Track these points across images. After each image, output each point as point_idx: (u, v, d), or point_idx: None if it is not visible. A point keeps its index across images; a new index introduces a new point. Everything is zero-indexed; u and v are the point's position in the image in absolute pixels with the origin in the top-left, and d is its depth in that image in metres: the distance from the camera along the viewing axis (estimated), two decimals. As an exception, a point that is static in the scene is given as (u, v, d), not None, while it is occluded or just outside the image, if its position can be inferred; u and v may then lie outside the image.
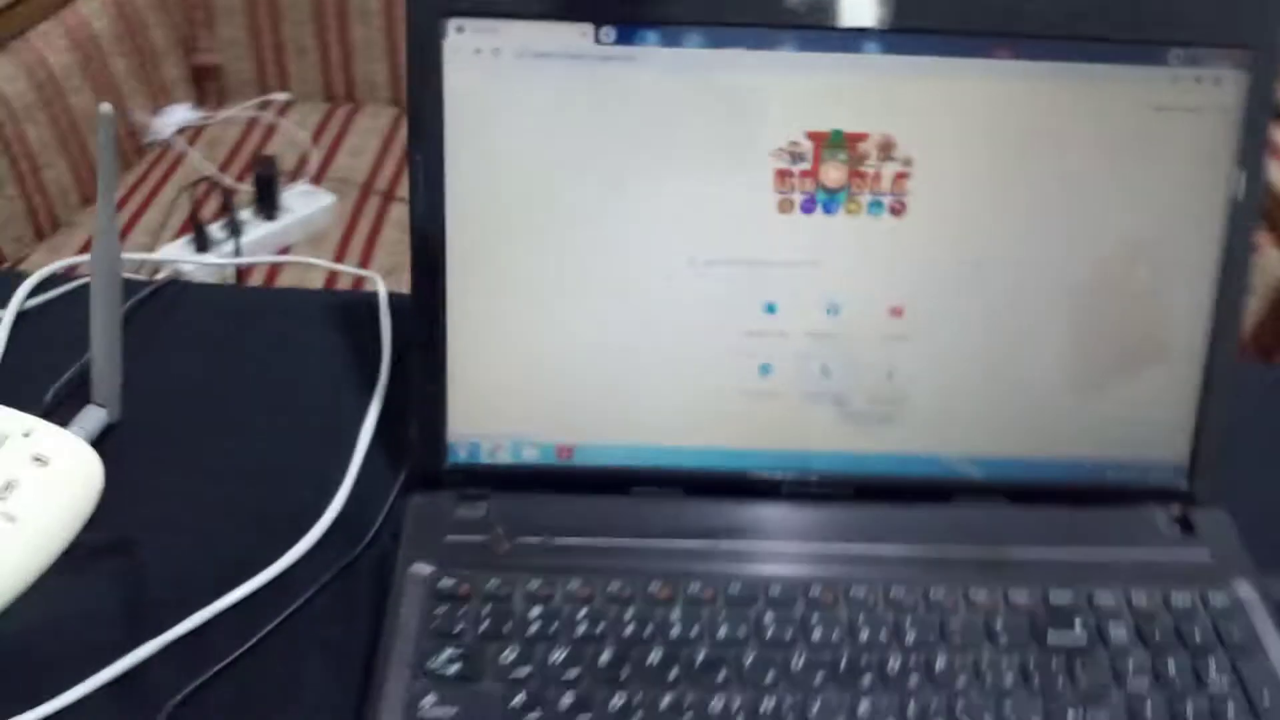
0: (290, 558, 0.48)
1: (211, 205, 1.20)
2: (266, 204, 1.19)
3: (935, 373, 0.51)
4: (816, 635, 0.46)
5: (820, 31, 0.48)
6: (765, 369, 0.51)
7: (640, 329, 0.50)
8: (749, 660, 0.45)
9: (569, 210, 0.49)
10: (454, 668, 0.43)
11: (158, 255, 0.97)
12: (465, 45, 0.47)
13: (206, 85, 1.50)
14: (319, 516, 0.50)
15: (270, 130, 1.42)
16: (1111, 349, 0.52)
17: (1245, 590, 0.48)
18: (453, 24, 0.47)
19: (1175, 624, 0.47)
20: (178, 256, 0.97)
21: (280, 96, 1.48)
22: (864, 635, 0.46)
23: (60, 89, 1.21)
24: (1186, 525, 0.52)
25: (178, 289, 0.63)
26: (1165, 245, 0.50)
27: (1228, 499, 0.52)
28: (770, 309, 0.50)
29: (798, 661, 0.45)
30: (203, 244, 1.11)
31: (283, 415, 0.56)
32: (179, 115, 1.41)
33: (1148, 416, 0.52)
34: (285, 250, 1.19)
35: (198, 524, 0.50)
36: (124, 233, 1.18)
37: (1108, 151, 0.49)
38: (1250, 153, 0.49)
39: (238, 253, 1.04)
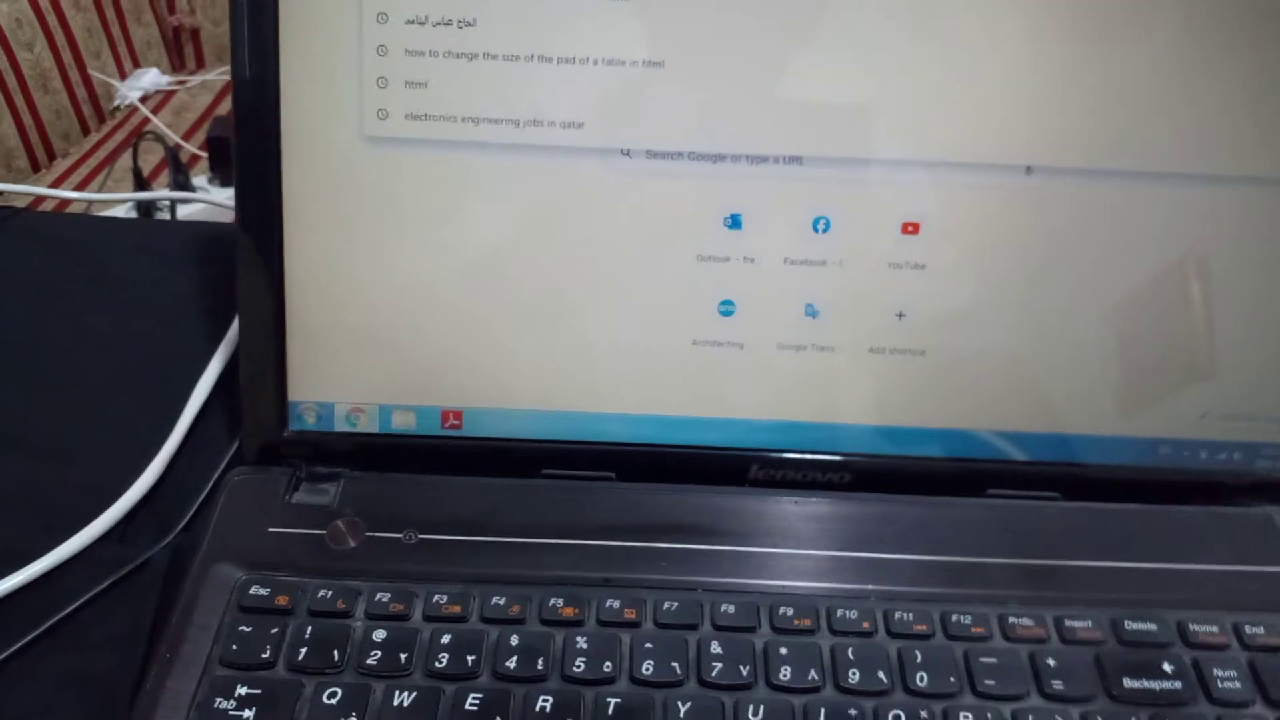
0: (59, 555, 0.35)
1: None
2: (224, 169, 1.07)
3: (962, 313, 0.37)
4: (783, 675, 0.32)
5: None
6: (726, 307, 0.37)
7: (555, 249, 0.36)
8: (684, 710, 0.31)
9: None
10: (248, 713, 0.30)
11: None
12: None
13: (184, 49, 1.39)
14: (117, 498, 0.37)
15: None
16: (1206, 274, 0.37)
17: None
18: None
19: (1310, 670, 0.32)
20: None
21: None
22: (852, 677, 0.32)
23: (6, 42, 1.11)
24: (1317, 531, 0.37)
25: (5, 214, 0.51)
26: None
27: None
28: (733, 222, 0.36)
29: (754, 713, 0.31)
30: (145, 208, 0.99)
31: (101, 371, 0.43)
32: (148, 79, 1.30)
33: (1260, 379, 0.38)
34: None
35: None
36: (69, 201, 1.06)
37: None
38: None
39: (173, 217, 0.91)
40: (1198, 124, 0.35)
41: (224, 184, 1.09)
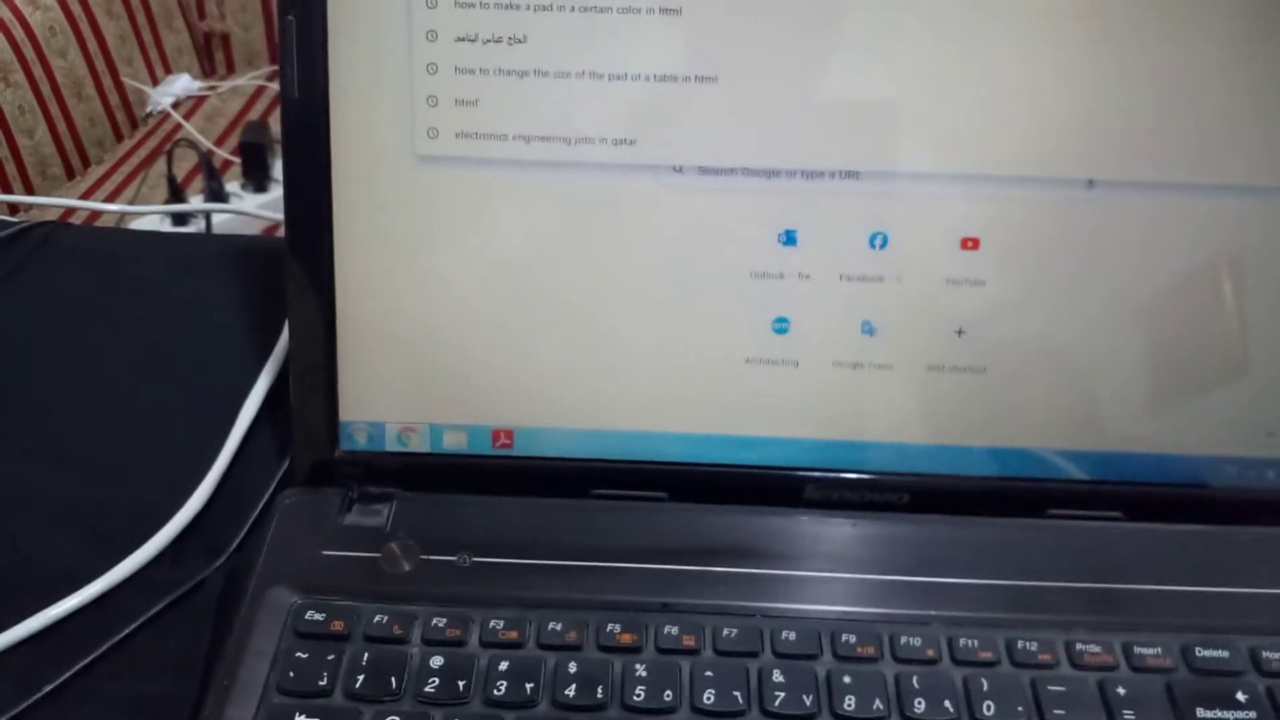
0: (113, 578, 0.35)
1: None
2: (256, 174, 1.07)
3: (1023, 329, 0.36)
4: (848, 705, 0.31)
5: None
6: (780, 324, 0.37)
7: (606, 266, 0.36)
8: (746, 741, 0.30)
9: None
10: (307, 744, 0.30)
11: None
12: None
13: (215, 55, 1.39)
14: (168, 518, 0.37)
15: (276, 102, 1.31)
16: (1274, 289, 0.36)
17: None
18: None
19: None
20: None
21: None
22: (918, 706, 0.31)
23: (40, 50, 1.11)
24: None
25: (48, 230, 0.51)
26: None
27: None
28: (788, 238, 0.36)
29: (818, 745, 0.30)
30: (180, 217, 0.99)
31: (147, 388, 0.43)
32: (180, 84, 1.30)
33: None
34: (277, 229, 1.07)
35: (8, 524, 0.37)
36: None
37: None
38: None
39: (208, 228, 0.91)
40: (1266, 136, 0.34)
41: (257, 190, 1.10)
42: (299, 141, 0.35)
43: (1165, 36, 0.33)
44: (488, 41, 0.34)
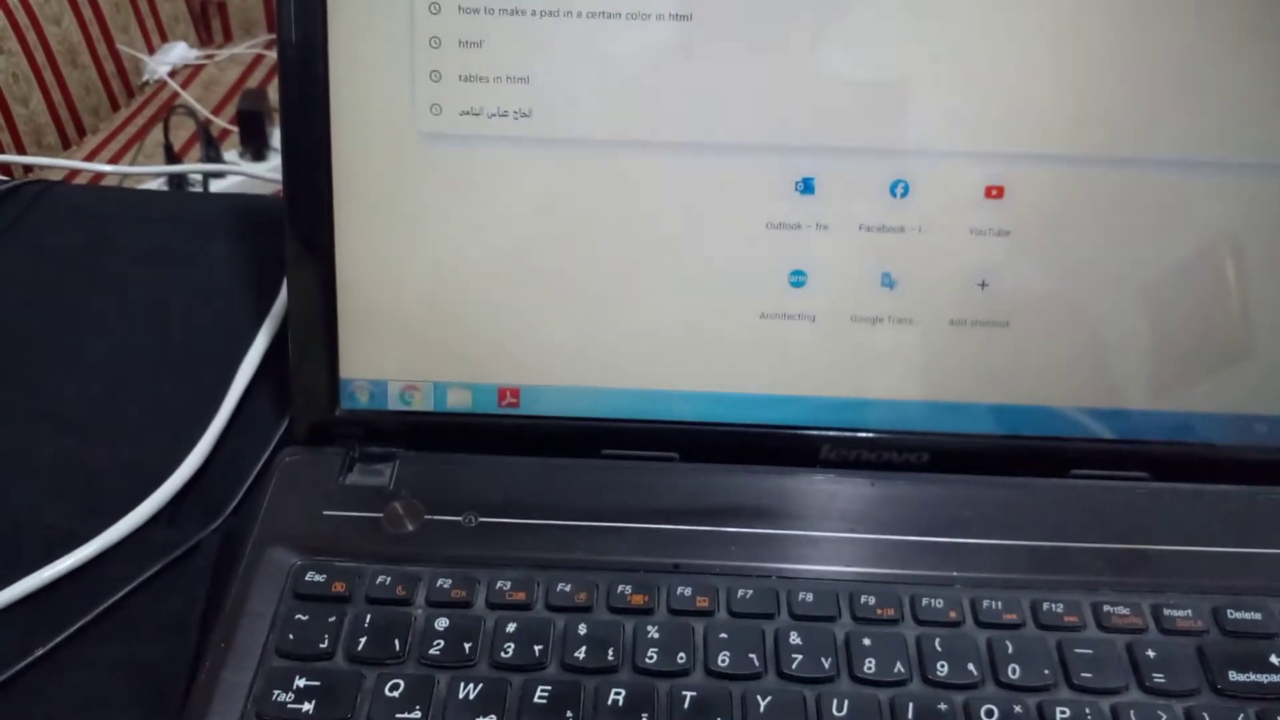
0: (107, 539, 0.34)
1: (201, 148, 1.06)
2: (255, 143, 1.05)
3: (1048, 282, 0.35)
4: (868, 668, 0.30)
5: None
6: (797, 278, 0.35)
7: (616, 223, 0.35)
8: (764, 705, 0.29)
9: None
10: (308, 707, 0.29)
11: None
12: None
13: (212, 23, 1.37)
14: (164, 479, 0.36)
15: (274, 71, 1.29)
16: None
17: None
18: None
19: None
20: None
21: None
22: (941, 669, 0.30)
23: (35, 17, 1.09)
24: None
25: (39, 189, 0.49)
26: None
27: None
28: (805, 187, 0.34)
29: (838, 708, 0.29)
30: (179, 181, 0.97)
31: (141, 346, 0.42)
32: (176, 53, 1.28)
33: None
34: (277, 195, 1.06)
35: (2, 485, 0.36)
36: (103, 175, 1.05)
37: None
38: None
39: (206, 191, 0.90)
40: None
41: (255, 158, 1.08)
42: (299, 109, 0.33)
43: (1186, 15, 0.32)
44: (491, 13, 0.33)
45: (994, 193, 0.34)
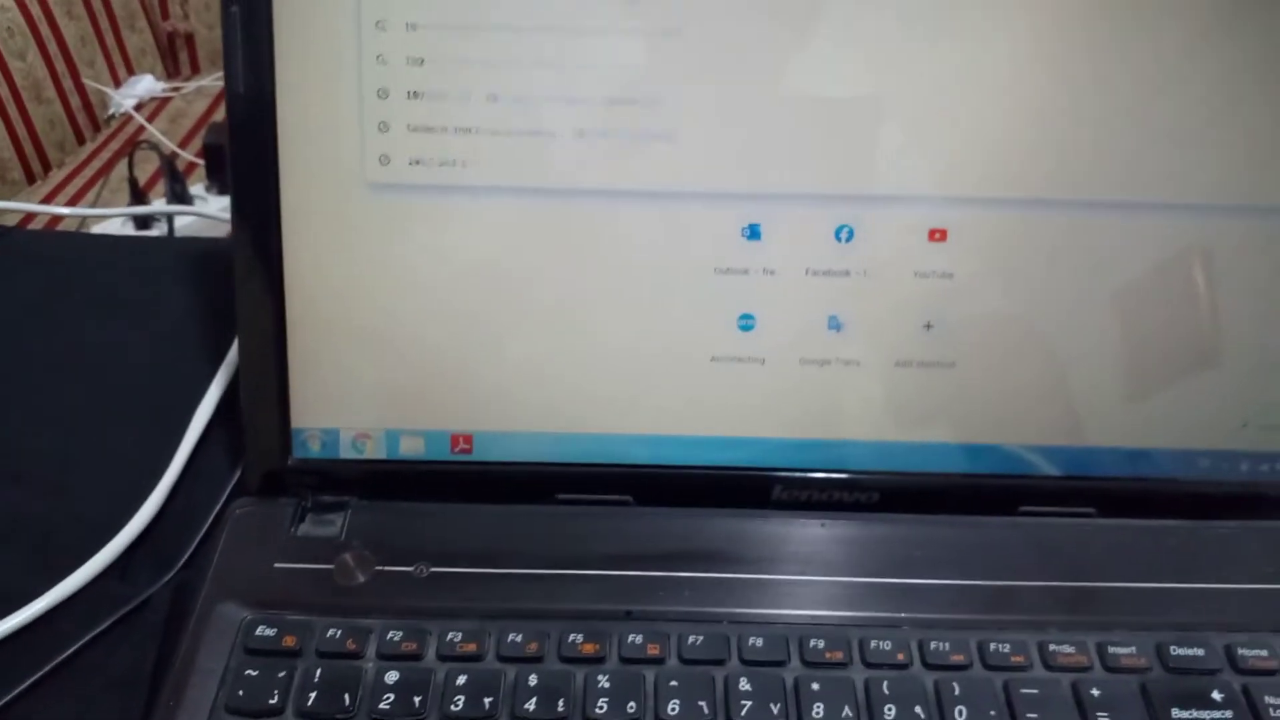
0: (57, 594, 0.34)
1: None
2: (221, 176, 1.05)
3: (992, 323, 0.36)
4: (816, 713, 0.30)
5: None
6: (746, 321, 0.36)
7: (565, 267, 0.35)
8: (713, 752, 0.29)
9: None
10: (257, 766, 0.29)
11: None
12: None
13: (179, 55, 1.37)
14: (116, 532, 0.36)
15: (243, 102, 1.29)
16: (1243, 286, 0.36)
17: None
18: None
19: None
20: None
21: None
22: (888, 713, 0.30)
23: (-2, 52, 1.09)
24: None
25: (-5, 235, 0.49)
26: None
27: None
28: (752, 232, 0.35)
29: (787, 754, 0.29)
30: (143, 220, 0.97)
31: (94, 396, 0.42)
32: (143, 85, 1.28)
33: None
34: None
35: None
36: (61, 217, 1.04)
37: None
38: None
39: (170, 231, 0.89)
40: (1230, 154, 0.34)
41: (222, 191, 1.07)
42: (247, 167, 0.34)
43: (1126, 58, 0.33)
44: (436, 64, 0.33)
45: (937, 235, 0.35)
